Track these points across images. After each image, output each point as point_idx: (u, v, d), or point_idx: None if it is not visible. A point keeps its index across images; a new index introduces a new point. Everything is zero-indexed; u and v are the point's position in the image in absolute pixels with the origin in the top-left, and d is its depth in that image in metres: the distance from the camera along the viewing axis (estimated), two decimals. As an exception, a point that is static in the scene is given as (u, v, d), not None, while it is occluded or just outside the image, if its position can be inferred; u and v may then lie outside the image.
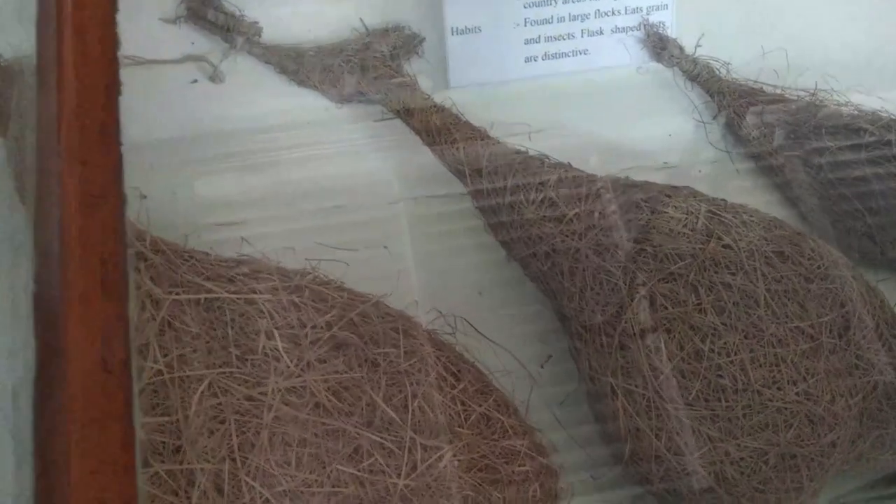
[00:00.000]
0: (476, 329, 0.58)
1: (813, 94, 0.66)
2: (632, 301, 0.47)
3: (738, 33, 0.73)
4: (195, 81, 0.71)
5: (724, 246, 0.48)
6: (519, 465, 0.46)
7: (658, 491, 0.46)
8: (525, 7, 0.68)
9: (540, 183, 0.55)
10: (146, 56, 0.71)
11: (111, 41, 0.35)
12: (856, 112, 0.64)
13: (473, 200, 0.61)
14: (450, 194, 0.65)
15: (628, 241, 0.49)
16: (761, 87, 0.68)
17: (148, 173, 0.65)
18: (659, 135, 0.71)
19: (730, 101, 0.68)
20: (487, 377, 0.51)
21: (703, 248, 0.48)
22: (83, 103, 0.34)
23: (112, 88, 0.35)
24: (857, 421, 0.48)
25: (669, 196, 0.51)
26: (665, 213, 0.49)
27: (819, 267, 0.50)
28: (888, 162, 0.61)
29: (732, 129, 0.69)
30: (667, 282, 0.47)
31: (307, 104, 0.70)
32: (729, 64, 0.70)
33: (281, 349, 0.45)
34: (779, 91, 0.68)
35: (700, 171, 0.69)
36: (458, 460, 0.46)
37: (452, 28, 0.68)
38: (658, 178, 0.64)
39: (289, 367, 0.45)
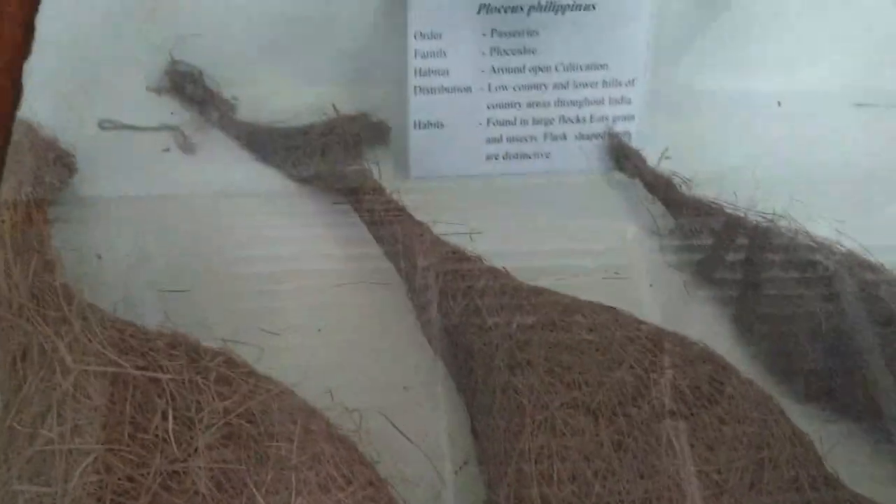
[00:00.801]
0: (393, 424, 0.58)
1: (771, 221, 0.65)
2: (532, 423, 0.47)
3: (705, 149, 0.73)
4: (167, 150, 0.74)
5: (634, 375, 0.48)
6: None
7: None
8: (489, 107, 0.70)
9: (468, 286, 0.55)
10: (129, 121, 0.75)
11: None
12: (812, 244, 0.64)
13: (408, 294, 0.61)
14: (393, 284, 0.66)
15: (539, 357, 0.49)
16: (721, 207, 0.68)
17: (107, 232, 0.68)
18: (614, 245, 0.71)
19: (687, 217, 0.68)
20: (382, 481, 0.50)
21: (609, 376, 0.47)
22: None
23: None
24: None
25: (584, 316, 0.51)
26: (580, 335, 0.49)
27: (736, 407, 0.49)
28: (838, 299, 0.61)
29: (688, 245, 0.69)
30: (570, 407, 0.47)
31: (269, 182, 0.72)
32: (690, 180, 0.70)
33: (171, 432, 0.45)
34: (739, 213, 0.67)
35: (651, 285, 0.68)
36: (335, 568, 0.45)
37: (416, 122, 0.70)
38: (607, 287, 0.64)
39: (174, 451, 0.45)
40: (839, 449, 0.53)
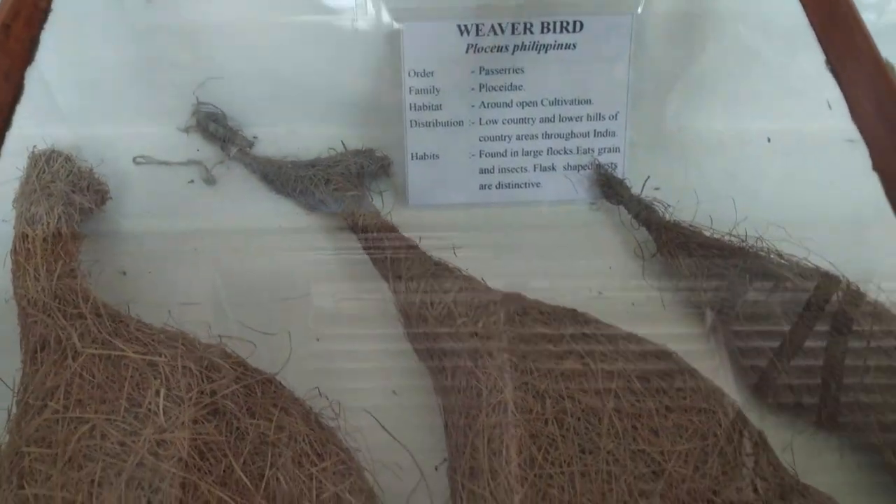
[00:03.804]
0: (377, 420, 0.62)
1: (743, 241, 0.69)
2: (488, 405, 0.51)
3: (684, 177, 0.78)
4: (192, 182, 0.83)
5: (583, 364, 0.52)
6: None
7: None
8: (480, 140, 0.77)
9: (445, 293, 0.61)
10: (161, 157, 0.85)
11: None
12: (782, 262, 0.67)
13: (396, 304, 0.67)
14: (387, 298, 0.71)
15: (500, 350, 0.54)
16: (699, 230, 0.72)
17: (135, 252, 0.77)
18: (600, 267, 0.76)
19: (666, 240, 0.72)
20: (357, 464, 0.54)
21: (559, 363, 0.51)
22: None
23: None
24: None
25: (541, 313, 0.55)
26: (535, 329, 0.54)
27: (686, 399, 0.52)
28: (805, 311, 0.63)
29: (668, 267, 0.73)
30: (521, 390, 0.51)
31: (281, 210, 0.81)
32: (671, 207, 0.74)
33: (161, 406, 0.52)
34: (715, 236, 0.71)
35: (633, 305, 0.72)
36: (300, 533, 0.49)
37: (413, 153, 0.77)
38: (590, 306, 0.69)
39: (163, 423, 0.51)
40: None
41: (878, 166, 0.83)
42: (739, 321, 0.67)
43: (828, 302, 0.61)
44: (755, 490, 0.50)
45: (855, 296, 0.61)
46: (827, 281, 0.64)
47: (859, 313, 0.60)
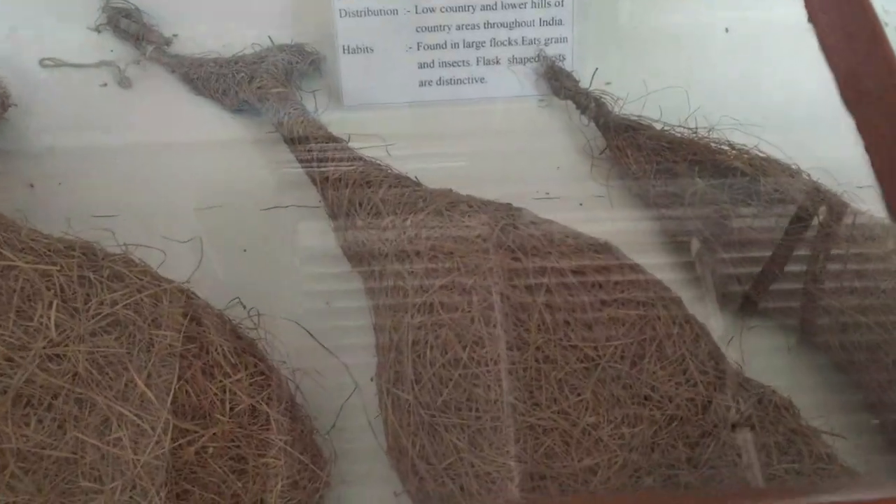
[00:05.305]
0: (307, 331, 0.59)
1: (694, 132, 0.65)
2: (413, 306, 0.47)
3: (636, 70, 0.74)
4: (105, 85, 0.77)
5: (513, 258, 0.48)
6: (272, 458, 0.46)
7: (413, 494, 0.45)
8: (417, 31, 0.71)
9: (371, 191, 0.56)
10: (70, 59, 0.78)
11: None
12: (733, 151, 0.63)
13: (326, 209, 0.62)
14: (317, 207, 0.67)
15: (427, 248, 0.50)
16: (650, 124, 0.68)
17: (42, 160, 0.71)
18: (546, 167, 0.72)
19: (615, 136, 0.68)
20: (278, 375, 0.51)
21: (488, 259, 0.47)
22: None
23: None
24: (642, 453, 0.46)
25: (470, 206, 0.51)
26: (462, 222, 0.50)
27: (622, 292, 0.49)
28: (755, 202, 0.60)
29: (617, 165, 0.69)
30: (447, 288, 0.47)
31: (204, 112, 0.75)
32: (621, 100, 0.70)
33: (52, 319, 0.47)
34: (666, 129, 0.67)
35: (581, 205, 0.68)
36: (212, 447, 0.46)
37: (344, 46, 0.72)
38: (536, 207, 0.65)
39: (54, 336, 0.47)
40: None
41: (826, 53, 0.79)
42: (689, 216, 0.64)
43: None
44: (694, 385, 0.48)
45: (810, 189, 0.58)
46: (783, 174, 0.60)
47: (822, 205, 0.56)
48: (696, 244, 0.64)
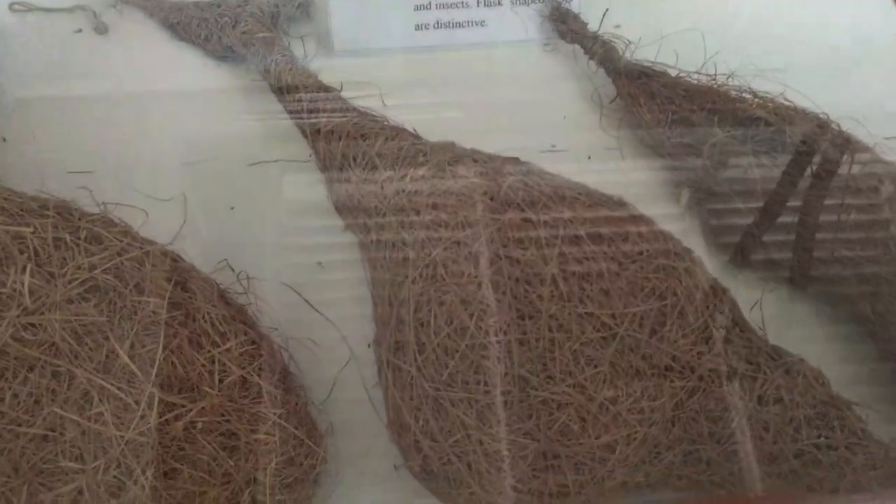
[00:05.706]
0: (301, 296, 0.56)
1: (713, 78, 0.61)
2: (415, 270, 0.44)
3: (649, 11, 0.69)
4: (79, 31, 0.72)
5: (523, 219, 0.44)
6: (266, 434, 0.43)
7: (416, 471, 0.43)
8: (413, -31, 0.66)
9: (367, 144, 0.52)
10: (42, 4, 0.73)
11: None
12: (755, 99, 0.59)
13: (317, 163, 0.58)
14: (312, 162, 0.63)
15: (428, 206, 0.46)
16: (664, 70, 0.64)
17: (16, 115, 0.66)
18: (553, 117, 0.68)
19: (626, 83, 0.64)
20: (270, 343, 0.48)
21: (496, 219, 0.44)
22: None
23: None
24: (663, 429, 0.43)
25: (475, 161, 0.47)
26: (466, 177, 0.46)
27: (641, 253, 0.45)
28: (780, 155, 0.56)
29: (629, 114, 0.64)
30: (452, 251, 0.44)
31: (185, 59, 0.70)
32: (632, 44, 0.65)
33: (27, 285, 0.44)
34: (682, 75, 0.63)
35: (589, 158, 0.65)
36: (201, 421, 0.43)
37: (334, -13, 0.66)
38: (544, 161, 0.61)
39: (29, 304, 0.43)
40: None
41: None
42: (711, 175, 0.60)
43: (813, 146, 0.53)
44: (719, 355, 0.45)
45: (841, 140, 0.54)
46: (810, 123, 0.56)
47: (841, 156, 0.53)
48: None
